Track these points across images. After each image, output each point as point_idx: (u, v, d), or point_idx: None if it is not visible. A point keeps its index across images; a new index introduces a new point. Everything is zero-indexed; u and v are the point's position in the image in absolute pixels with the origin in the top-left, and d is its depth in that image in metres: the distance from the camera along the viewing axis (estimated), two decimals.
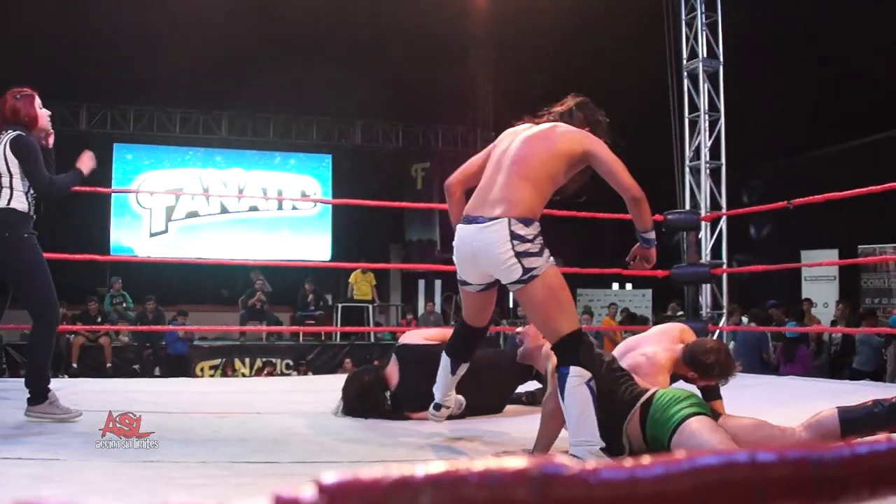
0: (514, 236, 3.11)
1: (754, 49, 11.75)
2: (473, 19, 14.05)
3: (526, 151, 3.29)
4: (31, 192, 4.06)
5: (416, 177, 18.54)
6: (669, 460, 0.60)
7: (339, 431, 3.98)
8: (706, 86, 9.78)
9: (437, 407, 3.75)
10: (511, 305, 18.23)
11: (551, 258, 3.18)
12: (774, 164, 16.85)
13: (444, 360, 3.68)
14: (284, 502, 0.55)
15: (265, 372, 13.43)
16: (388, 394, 4.36)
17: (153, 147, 17.69)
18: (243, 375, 13.48)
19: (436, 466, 0.55)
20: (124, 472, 2.82)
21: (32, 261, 4.03)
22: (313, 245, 18.18)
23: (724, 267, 9.34)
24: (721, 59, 9.79)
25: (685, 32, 9.93)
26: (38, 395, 3.96)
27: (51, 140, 4.37)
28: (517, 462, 0.56)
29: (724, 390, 3.60)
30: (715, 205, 9.71)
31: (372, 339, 14.79)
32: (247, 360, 13.77)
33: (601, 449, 3.02)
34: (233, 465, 3.02)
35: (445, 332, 4.29)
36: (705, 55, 9.75)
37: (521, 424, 4.20)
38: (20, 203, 4.02)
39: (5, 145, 4.05)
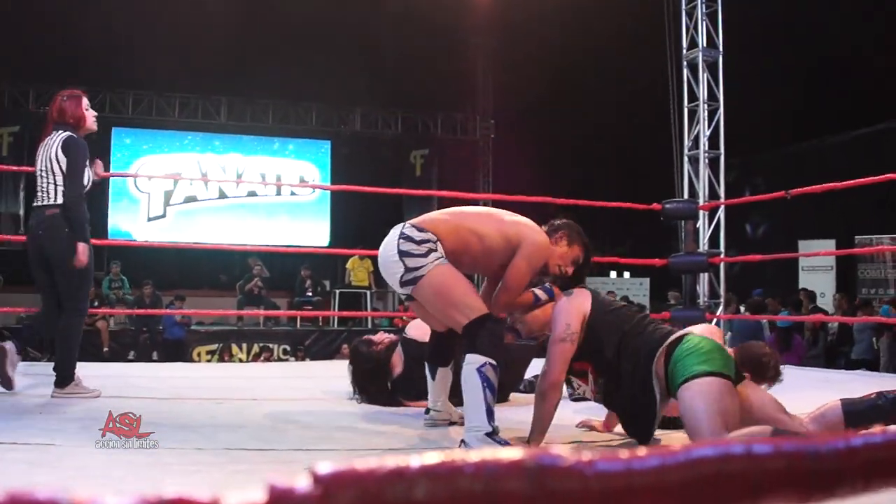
0: (402, 236, 3.38)
1: (754, 39, 11.72)
2: (474, 7, 14.02)
3: (482, 211, 3.64)
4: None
5: (415, 163, 18.52)
6: (665, 452, 0.60)
7: (336, 419, 3.98)
8: (705, 75, 9.75)
9: (427, 411, 3.87)
10: None
11: (441, 259, 3.29)
12: (773, 153, 16.84)
13: (428, 366, 3.85)
14: (279, 492, 0.55)
15: (262, 357, 13.44)
16: (389, 383, 4.39)
17: (152, 131, 17.67)
18: (240, 360, 13.48)
19: (431, 457, 0.55)
20: (120, 458, 2.83)
21: (73, 258, 4.24)
22: (311, 231, 18.17)
23: (722, 256, 9.33)
24: (721, 49, 9.76)
25: (685, 22, 9.89)
26: (66, 379, 4.26)
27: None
28: (512, 453, 0.56)
29: None
30: (713, 194, 9.70)
31: (369, 325, 14.78)
32: (244, 346, 13.78)
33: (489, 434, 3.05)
34: (229, 452, 3.02)
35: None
36: (705, 45, 9.73)
37: (524, 414, 4.20)
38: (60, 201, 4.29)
39: (57, 146, 4.29)
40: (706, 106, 9.74)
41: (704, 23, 9.73)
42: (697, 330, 3.87)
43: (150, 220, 17.43)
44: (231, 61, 15.09)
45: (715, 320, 8.91)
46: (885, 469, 0.67)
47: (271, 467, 2.81)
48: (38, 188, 4.38)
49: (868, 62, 12.98)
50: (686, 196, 9.59)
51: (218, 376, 6.08)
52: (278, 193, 18.41)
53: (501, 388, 4.59)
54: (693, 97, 9.85)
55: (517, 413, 4.21)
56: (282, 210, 18.34)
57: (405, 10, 13.38)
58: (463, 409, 3.29)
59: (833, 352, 11.75)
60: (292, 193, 18.53)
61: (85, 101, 4.49)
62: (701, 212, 9.04)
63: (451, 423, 3.81)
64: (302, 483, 0.57)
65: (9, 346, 4.26)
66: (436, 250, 3.30)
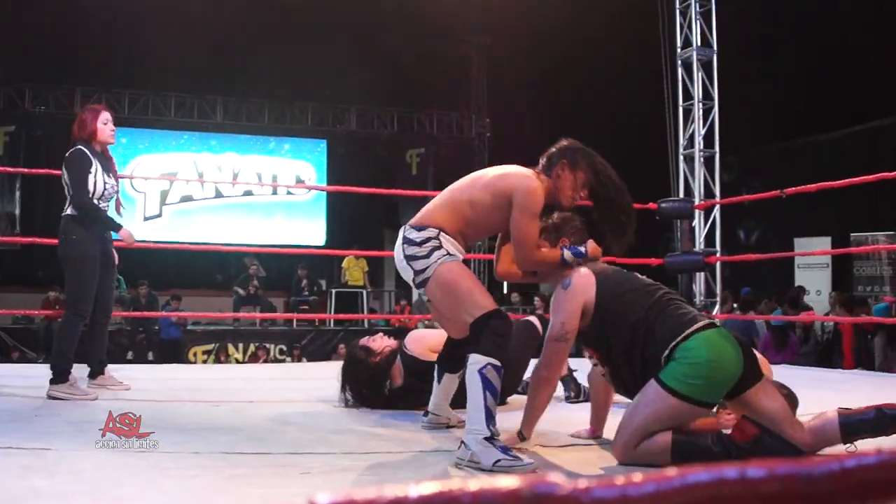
0: (405, 241, 3.36)
1: (748, 38, 11.73)
2: (469, 5, 14.01)
3: (464, 180, 3.48)
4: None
5: (411, 162, 18.53)
6: (661, 478, 0.60)
7: (333, 421, 3.98)
8: (700, 74, 9.77)
9: (426, 413, 3.85)
10: (505, 291, 18.26)
11: (446, 256, 3.26)
12: (768, 150, 16.87)
13: (437, 368, 3.82)
14: None
15: (260, 358, 13.42)
16: (387, 391, 4.36)
17: (148, 131, 17.69)
18: (236, 360, 13.48)
19: (429, 487, 0.55)
20: (117, 462, 2.83)
21: (75, 258, 4.59)
22: (308, 230, 18.19)
23: (718, 255, 9.35)
24: (715, 47, 9.78)
25: (679, 21, 9.91)
26: (60, 375, 4.43)
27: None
28: (509, 482, 0.56)
29: None
30: (709, 193, 9.71)
31: (366, 325, 14.78)
32: (240, 346, 13.78)
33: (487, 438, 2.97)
34: (226, 456, 3.02)
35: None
36: (699, 44, 9.75)
37: (520, 417, 4.22)
38: (73, 210, 4.65)
39: (63, 163, 4.74)
40: (701, 105, 9.76)
41: (698, 22, 9.75)
42: None
43: (146, 219, 17.44)
44: (227, 61, 15.09)
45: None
46: (879, 491, 0.67)
47: (268, 471, 2.81)
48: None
49: (863, 60, 13.00)
50: (681, 195, 9.61)
51: (215, 378, 6.08)
52: (274, 193, 18.43)
53: (500, 391, 4.60)
54: (688, 96, 9.87)
55: (517, 416, 4.22)
56: (278, 209, 18.36)
57: (401, 9, 13.38)
58: (463, 413, 3.28)
59: (828, 350, 11.78)
60: (288, 193, 18.54)
61: (104, 116, 4.83)
62: (696, 211, 9.07)
63: (449, 427, 3.79)
64: None
65: None
66: (439, 247, 3.27)
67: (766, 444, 2.93)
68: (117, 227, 4.75)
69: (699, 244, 9.33)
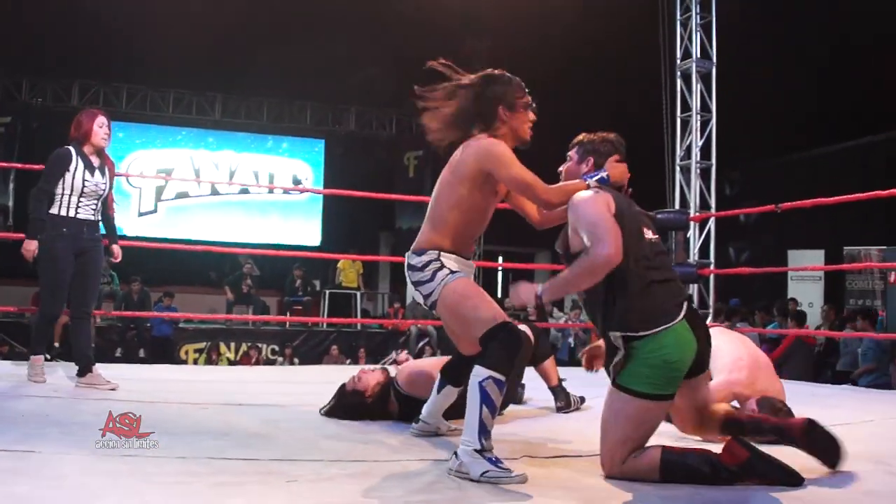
0: (409, 267, 3.43)
1: (746, 50, 11.74)
2: (469, 8, 13.99)
3: (436, 189, 3.48)
4: (65, 192, 4.94)
5: (409, 165, 18.50)
6: None
7: (322, 427, 3.96)
8: (699, 86, 9.78)
9: (417, 420, 3.85)
10: (499, 296, 18.24)
11: (449, 276, 3.29)
12: (764, 164, 16.90)
13: (439, 378, 3.81)
14: None
15: (252, 358, 13.37)
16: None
17: (145, 126, 17.63)
18: (228, 360, 13.44)
19: None
20: (101, 467, 2.81)
21: (44, 257, 4.92)
22: (303, 230, 18.18)
23: (712, 267, 9.36)
24: (714, 60, 9.80)
25: (679, 32, 9.93)
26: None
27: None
28: None
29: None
30: (704, 204, 9.72)
31: (359, 327, 14.75)
32: (232, 345, 13.73)
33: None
34: (211, 462, 3.00)
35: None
36: (699, 55, 9.76)
37: (515, 427, 4.23)
38: (54, 207, 4.94)
39: None
40: (699, 116, 9.77)
41: (699, 33, 9.77)
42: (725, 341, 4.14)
43: (140, 215, 17.40)
44: (227, 58, 15.04)
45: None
46: None
47: (254, 479, 2.79)
48: None
49: (858, 77, 13.03)
50: (677, 206, 9.61)
51: (204, 380, 6.06)
52: (271, 191, 18.41)
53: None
54: (686, 107, 9.88)
55: (513, 427, 4.22)
56: (274, 208, 18.34)
57: (402, 11, 13.36)
58: (458, 423, 3.26)
59: (820, 363, 11.76)
60: (285, 192, 18.53)
61: (99, 119, 5.08)
62: (692, 222, 9.08)
63: (438, 435, 3.78)
64: None
65: None
66: (441, 268, 3.31)
67: (755, 467, 2.94)
68: (32, 234, 4.90)
69: (693, 256, 9.34)
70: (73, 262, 4.96)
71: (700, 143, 9.77)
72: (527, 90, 3.54)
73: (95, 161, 5.07)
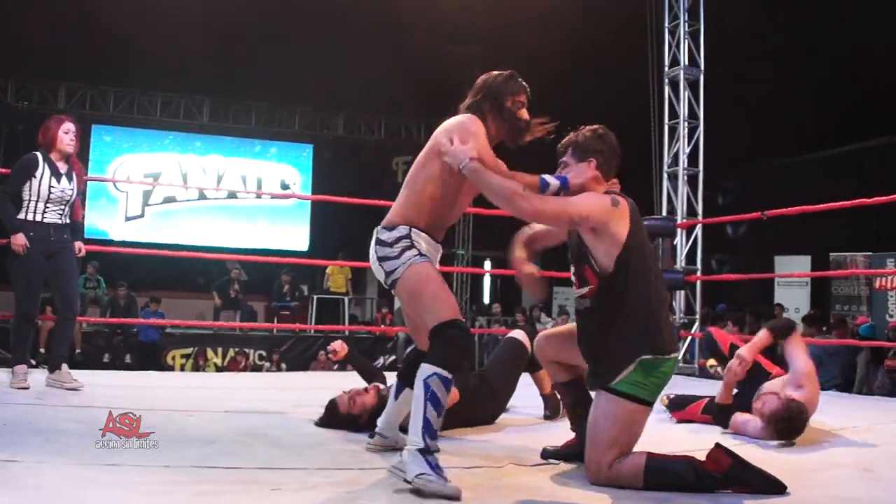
0: (377, 242, 3.31)
1: (733, 58, 11.77)
2: (459, 15, 14.00)
3: (412, 168, 3.41)
4: (32, 198, 5.05)
5: (397, 170, 18.49)
6: None
7: (307, 435, 3.95)
8: (686, 93, 9.81)
9: (372, 435, 3.69)
10: (487, 301, 18.23)
11: (416, 257, 3.19)
12: (750, 170, 16.94)
13: (396, 383, 3.68)
14: None
15: (240, 363, 13.32)
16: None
17: (132, 130, 17.57)
18: (215, 365, 13.39)
19: None
20: (83, 476, 2.79)
21: (14, 262, 5.05)
22: (291, 235, 18.14)
23: (699, 274, 9.38)
24: (702, 67, 9.83)
25: (667, 40, 9.95)
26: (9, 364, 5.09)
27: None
28: None
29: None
30: (691, 211, 9.74)
31: (346, 332, 14.71)
32: (219, 350, 13.68)
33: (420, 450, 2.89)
34: (196, 471, 2.98)
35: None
36: (687, 63, 9.79)
37: (503, 434, 4.25)
38: (21, 213, 5.06)
39: None
40: (686, 123, 9.80)
41: (686, 41, 9.80)
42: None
43: (127, 219, 17.34)
44: (215, 61, 14.99)
45: (689, 337, 8.98)
46: None
47: (237, 488, 2.77)
48: None
49: (847, 84, 13.08)
50: (664, 213, 9.63)
51: (191, 386, 6.03)
52: (258, 196, 18.38)
53: (487, 416, 4.55)
54: (674, 114, 9.90)
55: (501, 434, 4.22)
56: (261, 213, 18.30)
57: (391, 16, 13.35)
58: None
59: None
60: (272, 198, 18.50)
61: (65, 126, 5.20)
62: (679, 229, 9.10)
63: (396, 451, 3.58)
64: None
65: None
66: (410, 246, 3.21)
67: (739, 475, 2.94)
68: (12, 230, 5.01)
69: (680, 262, 9.36)
70: (45, 264, 5.09)
71: (688, 150, 9.80)
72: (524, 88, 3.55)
73: (62, 167, 5.18)
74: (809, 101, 13.53)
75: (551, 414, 4.72)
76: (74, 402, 4.48)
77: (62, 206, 5.17)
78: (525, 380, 4.77)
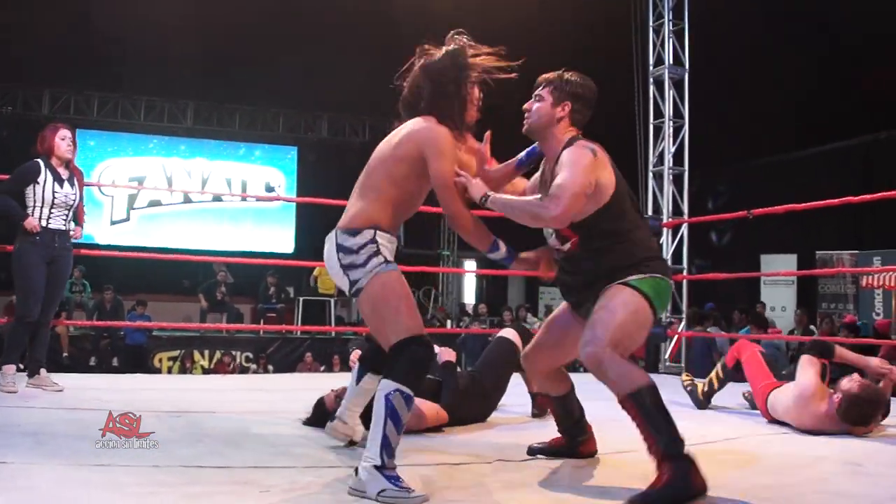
0: (339, 248, 3.11)
1: (718, 57, 11.83)
2: (443, 16, 14.00)
3: (372, 160, 3.26)
4: (37, 204, 5.15)
5: None
6: None
7: (296, 434, 3.95)
8: (671, 92, 9.84)
9: (332, 418, 3.67)
10: (473, 302, 18.21)
11: (382, 266, 3.03)
12: (736, 168, 17.02)
13: (358, 366, 3.66)
14: None
15: (227, 366, 13.29)
16: None
17: (117, 134, 17.51)
18: (202, 367, 13.36)
19: None
20: (74, 477, 2.78)
21: (17, 266, 5.14)
22: (277, 237, 18.11)
23: (685, 273, 9.42)
24: (687, 66, 9.86)
25: (652, 39, 9.98)
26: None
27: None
28: None
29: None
30: (677, 210, 9.78)
31: (333, 334, 14.68)
32: (206, 353, 13.64)
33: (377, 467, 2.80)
34: (186, 471, 2.98)
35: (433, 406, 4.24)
36: (671, 62, 9.82)
37: (490, 431, 4.28)
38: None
39: None
40: (671, 123, 9.83)
41: (671, 40, 9.83)
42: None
43: (113, 223, 17.26)
44: (199, 65, 14.96)
45: (676, 337, 9.01)
46: None
47: (227, 488, 2.77)
48: None
49: (831, 83, 13.15)
50: (650, 212, 9.66)
51: (178, 388, 6.02)
52: (244, 199, 18.34)
53: (478, 414, 4.57)
54: (659, 114, 9.93)
55: (488, 431, 4.23)
56: (247, 216, 18.26)
57: (375, 18, 13.35)
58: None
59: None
60: (258, 200, 18.46)
61: (61, 132, 5.32)
62: (664, 229, 9.13)
63: (352, 443, 3.65)
64: None
65: None
66: (377, 253, 3.04)
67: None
68: (20, 218, 5.12)
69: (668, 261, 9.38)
70: (46, 269, 5.16)
71: (673, 150, 9.83)
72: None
73: (64, 173, 5.30)
74: (795, 100, 13.59)
75: (539, 412, 4.72)
76: (63, 405, 4.47)
77: (66, 212, 5.28)
78: (514, 378, 4.78)
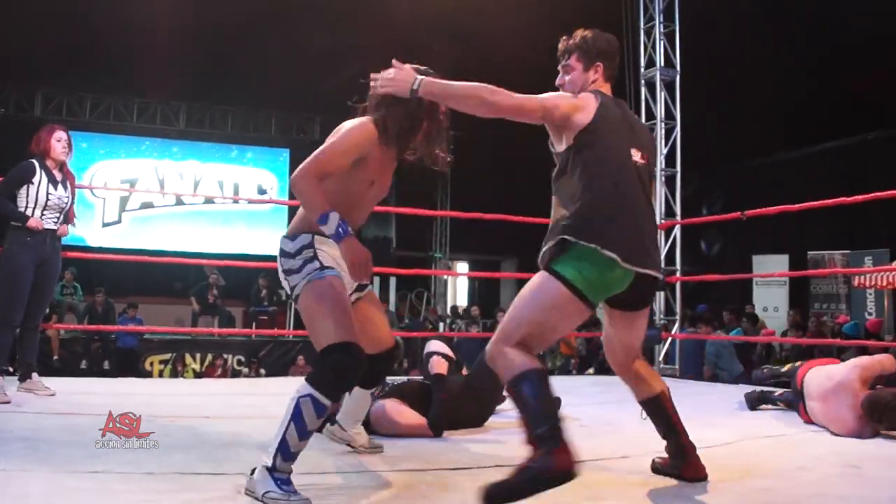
0: (280, 253, 3.12)
1: (709, 58, 11.85)
2: (436, 17, 14.00)
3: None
4: (29, 205, 5.11)
5: None
6: None
7: None
8: (663, 94, 9.86)
9: (333, 422, 3.67)
10: (466, 304, 18.19)
11: (316, 272, 2.99)
12: (728, 169, 17.06)
13: None
14: None
15: (219, 370, 13.25)
16: None
17: (109, 136, 17.47)
18: (194, 371, 13.32)
19: None
20: (67, 484, 2.77)
21: (5, 268, 5.08)
22: (268, 239, 18.02)
23: (678, 275, 9.42)
24: (678, 68, 9.87)
25: (643, 41, 10.00)
26: None
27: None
28: None
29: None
30: (669, 212, 9.78)
31: None
32: (198, 356, 13.59)
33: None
34: (180, 477, 2.97)
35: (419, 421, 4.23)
36: (662, 64, 9.83)
37: (488, 436, 4.29)
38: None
39: None
40: (663, 124, 9.84)
41: (662, 42, 9.84)
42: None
43: (104, 225, 17.23)
44: (191, 67, 14.94)
45: (670, 339, 9.01)
46: None
47: (221, 495, 2.76)
48: None
49: (822, 85, 13.19)
50: None
51: (171, 392, 6.00)
52: (236, 201, 18.31)
53: (473, 418, 4.56)
54: (650, 115, 9.94)
55: (486, 436, 4.23)
56: (239, 218, 18.23)
57: (368, 19, 13.35)
58: (378, 438, 3.09)
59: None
60: (249, 203, 18.44)
61: (57, 133, 5.29)
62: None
63: (351, 448, 3.65)
64: None
65: None
66: (312, 258, 3.01)
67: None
68: (20, 219, 5.08)
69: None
70: (34, 271, 5.12)
71: (665, 151, 9.84)
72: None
73: (58, 175, 5.30)
74: (786, 101, 13.64)
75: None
76: (55, 410, 4.45)
77: (58, 214, 5.26)
78: None
